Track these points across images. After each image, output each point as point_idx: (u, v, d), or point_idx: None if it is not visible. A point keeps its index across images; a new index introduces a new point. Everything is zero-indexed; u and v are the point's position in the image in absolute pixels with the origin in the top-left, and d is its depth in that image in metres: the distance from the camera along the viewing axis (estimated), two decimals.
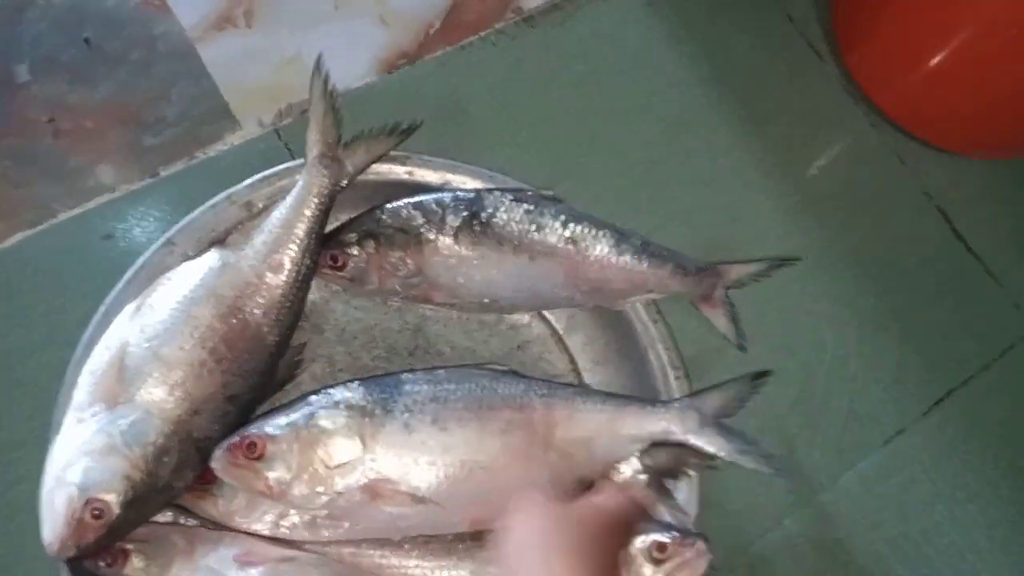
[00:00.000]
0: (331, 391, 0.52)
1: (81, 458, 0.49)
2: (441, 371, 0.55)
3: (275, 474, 0.48)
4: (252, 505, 0.55)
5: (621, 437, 0.56)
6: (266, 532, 0.55)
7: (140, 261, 0.57)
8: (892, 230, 0.79)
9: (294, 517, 0.55)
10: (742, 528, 0.66)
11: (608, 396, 0.57)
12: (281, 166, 0.61)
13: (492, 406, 0.53)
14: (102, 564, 0.49)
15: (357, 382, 0.53)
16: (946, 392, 0.72)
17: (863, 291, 0.75)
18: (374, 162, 0.62)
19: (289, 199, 0.59)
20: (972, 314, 0.76)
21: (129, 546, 0.50)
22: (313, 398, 0.52)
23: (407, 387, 0.53)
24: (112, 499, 0.48)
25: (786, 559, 0.65)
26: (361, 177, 0.61)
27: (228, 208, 0.60)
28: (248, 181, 0.60)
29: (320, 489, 0.49)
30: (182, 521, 0.55)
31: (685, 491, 0.58)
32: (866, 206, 0.79)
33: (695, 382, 0.61)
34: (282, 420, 0.50)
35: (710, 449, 0.56)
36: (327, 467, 0.49)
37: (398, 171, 0.64)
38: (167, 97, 0.69)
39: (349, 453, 0.49)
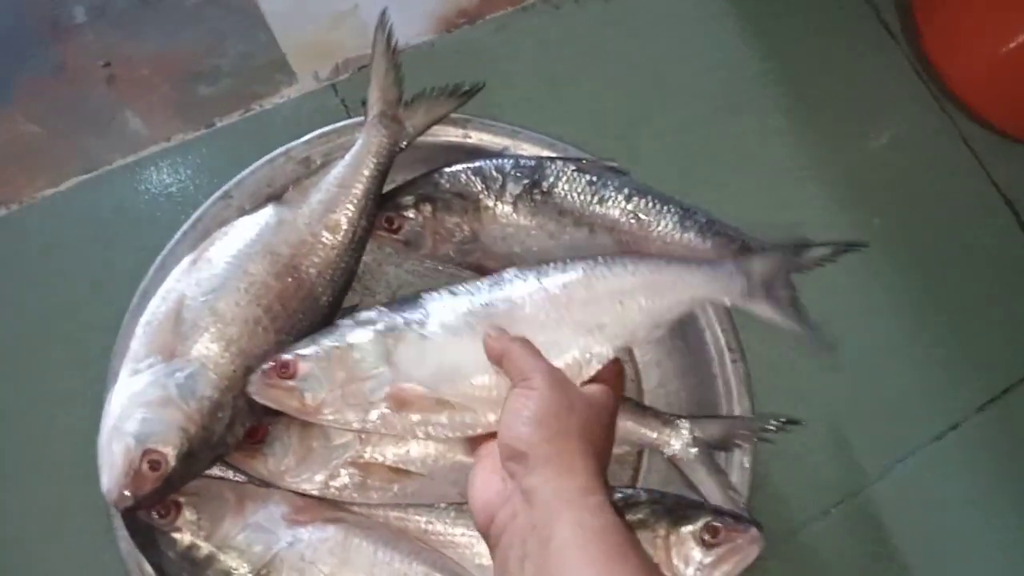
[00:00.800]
0: (357, 313, 0.53)
1: (137, 409, 0.48)
2: (460, 285, 0.53)
3: (308, 391, 0.49)
4: (302, 465, 0.54)
5: (662, 300, 0.53)
6: (315, 492, 0.55)
7: (197, 213, 0.56)
8: (954, 219, 0.76)
9: (344, 478, 0.54)
10: (787, 515, 0.65)
11: (642, 258, 0.54)
12: (340, 123, 0.60)
13: (513, 315, 0.51)
14: (156, 515, 0.49)
15: (382, 305, 0.53)
16: (1003, 389, 0.70)
17: (919, 280, 0.73)
18: (435, 123, 0.60)
19: (348, 158, 0.58)
20: None
21: (181, 499, 0.50)
22: (341, 321, 0.52)
23: (428, 303, 0.52)
24: (169, 451, 0.47)
25: (830, 550, 0.65)
26: (419, 138, 0.60)
27: (285, 164, 0.59)
28: (306, 137, 0.59)
29: (351, 402, 0.49)
30: (232, 477, 0.55)
31: (737, 473, 0.57)
32: (928, 193, 0.77)
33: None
34: (312, 342, 0.51)
35: (757, 313, 0.54)
36: (355, 380, 0.49)
37: (457, 134, 0.62)
38: (223, 47, 0.67)
39: (374, 366, 0.49)
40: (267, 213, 0.56)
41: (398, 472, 0.55)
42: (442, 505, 0.56)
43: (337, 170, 0.58)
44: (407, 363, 0.50)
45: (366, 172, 0.57)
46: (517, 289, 0.52)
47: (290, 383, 0.49)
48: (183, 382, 0.50)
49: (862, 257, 0.71)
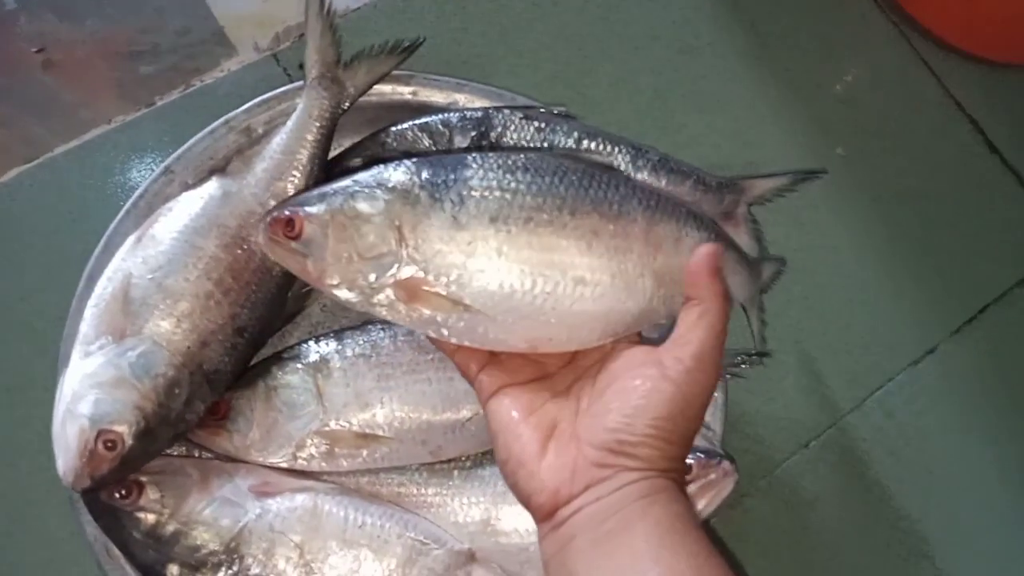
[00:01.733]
0: (379, 167, 0.44)
1: (91, 390, 0.47)
2: (520, 157, 0.44)
3: (311, 258, 0.43)
4: (267, 439, 0.54)
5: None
6: (284, 465, 0.54)
7: (139, 191, 0.55)
8: (921, 144, 0.75)
9: (311, 448, 0.54)
10: (766, 452, 0.64)
11: (719, 230, 0.47)
12: (280, 89, 0.59)
13: (576, 209, 0.42)
14: (117, 496, 0.48)
15: (412, 160, 0.44)
16: (979, 309, 0.70)
17: (888, 209, 0.72)
18: (376, 82, 0.59)
19: (289, 123, 0.56)
20: (1008, 228, 0.73)
21: (143, 478, 0.49)
22: (360, 175, 0.44)
23: (468, 172, 0.42)
24: (124, 430, 0.47)
25: (809, 484, 0.64)
26: (364, 99, 0.59)
27: (226, 134, 0.57)
28: (246, 106, 0.58)
29: (355, 279, 0.42)
30: (196, 455, 0.54)
31: (709, 409, 0.56)
32: (892, 121, 0.75)
33: None
34: (322, 196, 0.44)
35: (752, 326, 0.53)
36: (361, 257, 0.42)
37: (402, 91, 0.61)
38: (160, 25, 0.66)
39: (383, 244, 0.42)
40: (211, 186, 0.55)
41: (365, 438, 0.54)
42: (413, 466, 0.56)
43: (280, 137, 0.56)
44: (424, 251, 0.41)
45: (310, 137, 0.56)
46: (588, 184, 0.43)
47: (294, 244, 0.43)
48: (135, 361, 0.49)
49: (827, 190, 0.71)
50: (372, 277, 0.42)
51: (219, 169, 0.56)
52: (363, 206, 0.43)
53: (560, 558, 0.39)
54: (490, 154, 0.44)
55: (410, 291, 0.42)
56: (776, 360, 0.65)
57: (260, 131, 0.58)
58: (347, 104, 0.58)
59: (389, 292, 0.42)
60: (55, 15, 0.65)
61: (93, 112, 0.63)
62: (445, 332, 0.43)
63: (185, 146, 0.56)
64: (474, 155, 0.44)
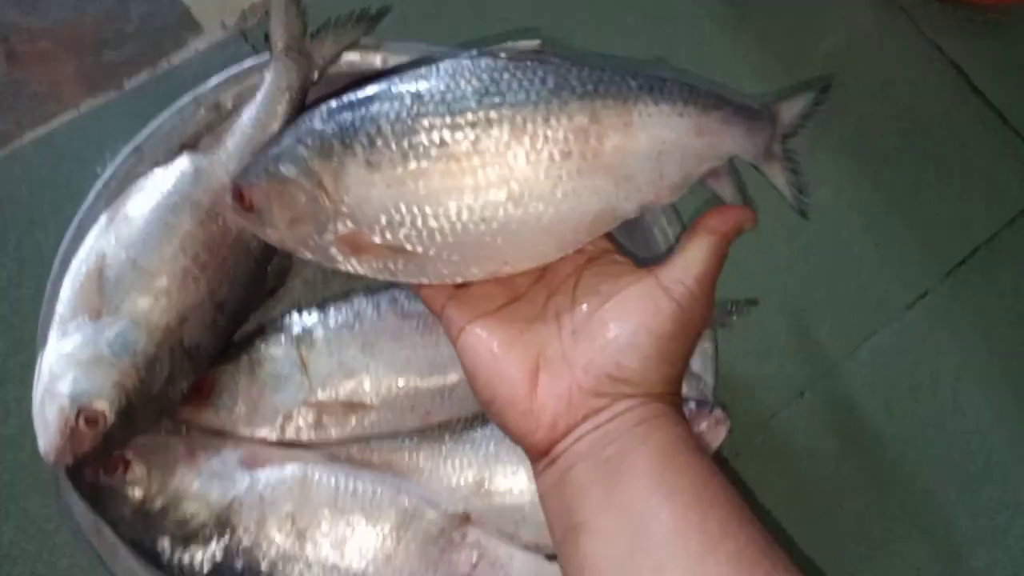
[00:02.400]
0: (301, 117, 0.43)
1: (69, 369, 0.47)
2: (432, 69, 0.40)
3: (267, 226, 0.42)
4: (254, 413, 0.54)
5: (695, 152, 0.41)
6: (272, 438, 0.54)
7: (108, 172, 0.54)
8: (904, 92, 0.74)
9: (299, 420, 0.54)
10: (759, 405, 0.64)
11: (688, 90, 0.41)
12: (247, 63, 0.58)
13: (495, 120, 0.38)
14: (103, 473, 0.48)
15: (327, 103, 0.42)
16: (970, 251, 0.69)
17: (875, 157, 0.72)
18: (344, 52, 0.58)
19: (259, 97, 0.56)
20: (996, 170, 0.72)
21: (129, 455, 0.49)
22: (288, 129, 0.43)
23: (375, 105, 0.40)
24: (105, 407, 0.46)
25: (802, 436, 0.64)
26: (334, 69, 0.58)
27: (196, 111, 0.56)
28: (213, 81, 0.57)
29: (306, 240, 0.41)
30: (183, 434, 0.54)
31: (699, 361, 0.56)
32: (874, 72, 0.75)
33: None
34: (260, 162, 0.43)
35: (768, 173, 0.44)
36: (302, 219, 0.41)
37: (372, 60, 0.60)
38: (125, 10, 0.65)
39: (313, 203, 0.40)
40: (182, 163, 0.54)
41: (352, 406, 0.54)
42: (403, 433, 0.55)
43: (250, 111, 0.56)
44: (351, 202, 0.40)
45: (280, 109, 0.55)
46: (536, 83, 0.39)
47: (251, 215, 0.43)
48: (113, 339, 0.49)
49: (812, 139, 0.69)
50: (317, 236, 0.41)
51: (190, 146, 0.56)
52: (288, 168, 0.41)
53: (558, 489, 0.38)
54: (400, 76, 0.41)
55: (351, 244, 0.40)
56: (765, 317, 0.64)
57: (229, 106, 0.57)
58: (316, 75, 0.57)
59: (334, 250, 0.41)
60: (17, 7, 0.64)
61: (60, 101, 0.62)
62: (400, 277, 0.41)
63: (154, 124, 0.55)
64: (383, 81, 0.41)
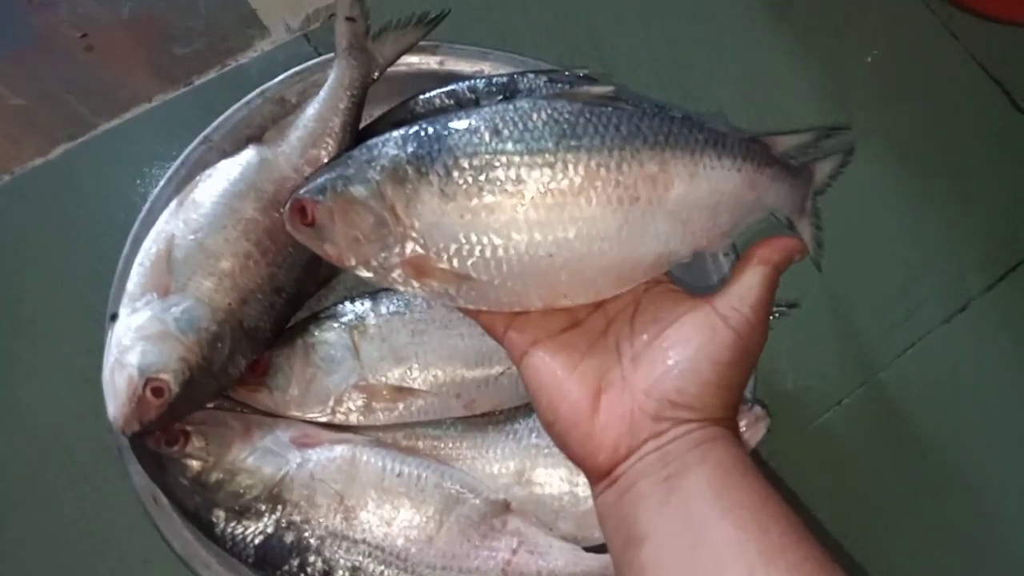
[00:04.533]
0: (372, 143, 0.44)
1: (138, 343, 0.49)
2: (509, 108, 0.42)
3: (327, 242, 0.43)
4: (306, 394, 0.55)
5: (746, 204, 0.44)
6: (322, 420, 0.55)
7: (179, 159, 0.57)
8: (945, 105, 0.75)
9: (349, 403, 0.55)
10: (797, 411, 0.64)
11: (746, 147, 0.44)
12: (312, 61, 0.61)
13: (571, 161, 0.40)
14: (164, 444, 0.50)
15: (401, 131, 0.43)
16: (1012, 266, 0.69)
17: (917, 169, 0.72)
18: (404, 52, 0.61)
19: (322, 93, 0.58)
20: None
21: (189, 428, 0.51)
22: (355, 151, 0.44)
23: (452, 139, 0.41)
24: (170, 378, 0.49)
25: (842, 441, 0.64)
26: (393, 70, 0.61)
27: (262, 105, 0.59)
28: (280, 77, 0.60)
29: (368, 260, 0.42)
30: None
31: None
32: (915, 84, 0.76)
33: None
34: (327, 180, 0.43)
35: (798, 228, 0.47)
36: (367, 239, 0.42)
37: (430, 61, 0.63)
38: (194, 9, 0.68)
39: (382, 226, 0.41)
40: (248, 154, 0.57)
41: (401, 391, 0.55)
42: (448, 421, 0.57)
43: (313, 107, 0.58)
44: (421, 227, 0.41)
45: (342, 105, 0.58)
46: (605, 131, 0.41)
47: (311, 231, 0.44)
48: (180, 316, 0.51)
49: (857, 150, 0.70)
50: (381, 257, 0.42)
51: (255, 138, 0.59)
52: (357, 190, 0.42)
53: (618, 507, 0.39)
54: (477, 111, 0.42)
55: (417, 267, 0.42)
56: (806, 320, 0.65)
57: (294, 101, 0.60)
58: (377, 74, 0.60)
59: (397, 272, 0.42)
60: (95, 1, 0.68)
61: (133, 92, 0.65)
62: (461, 302, 0.43)
63: (223, 116, 0.58)
64: (460, 116, 0.43)
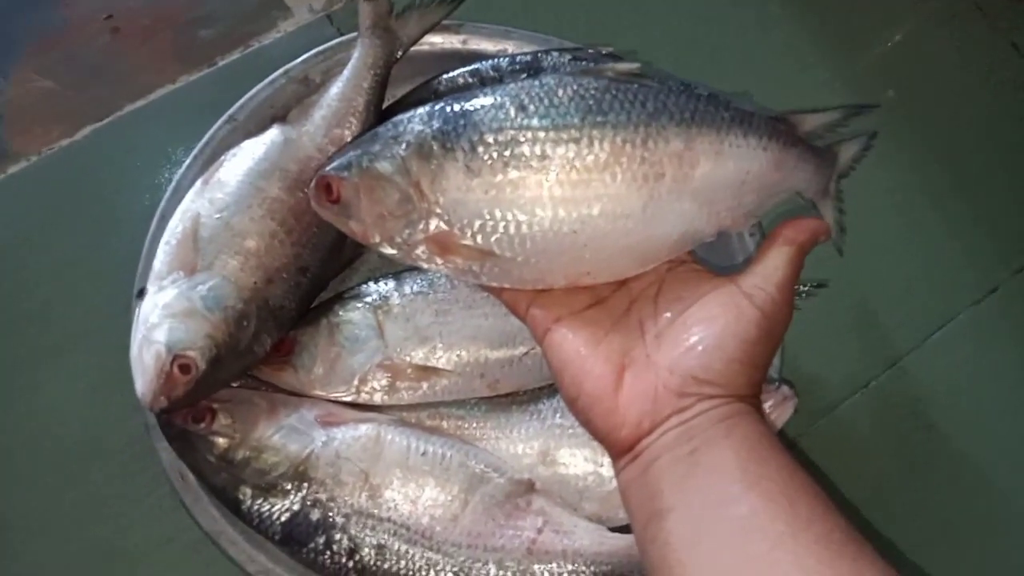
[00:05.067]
0: (398, 119, 0.43)
1: (165, 320, 0.50)
2: (535, 84, 0.41)
3: (352, 219, 0.43)
4: (331, 374, 0.56)
5: (771, 184, 0.43)
6: (347, 399, 0.56)
7: (204, 138, 0.57)
8: (975, 85, 0.74)
9: (373, 383, 0.55)
10: (821, 395, 0.64)
11: (772, 126, 0.43)
12: (335, 40, 0.61)
13: (596, 138, 0.40)
14: (191, 420, 0.50)
15: (426, 107, 0.42)
16: None
17: (945, 149, 0.71)
18: (427, 31, 0.60)
19: (345, 72, 0.58)
20: None
21: (215, 405, 0.51)
22: (381, 127, 0.44)
23: (478, 114, 0.41)
24: (197, 356, 0.49)
25: (866, 425, 0.63)
26: (416, 49, 0.61)
27: (286, 84, 0.60)
28: (303, 56, 0.60)
29: (392, 237, 0.42)
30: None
31: None
32: (945, 63, 0.74)
33: None
34: (352, 157, 0.43)
35: (820, 209, 0.47)
36: (392, 215, 0.41)
37: (453, 40, 0.62)
38: None
39: (407, 202, 0.41)
40: (272, 133, 0.57)
41: (425, 370, 0.55)
42: (472, 401, 0.57)
43: (336, 86, 0.58)
44: (446, 204, 0.40)
45: (365, 84, 0.58)
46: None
47: (336, 208, 0.43)
48: (207, 294, 0.51)
49: (880, 131, 0.69)
50: (406, 233, 0.42)
51: (280, 118, 0.59)
52: (383, 166, 0.42)
53: (642, 481, 0.39)
54: (503, 87, 0.42)
55: (441, 244, 0.41)
56: (831, 301, 0.64)
57: (318, 80, 0.60)
58: (400, 53, 0.60)
59: (421, 248, 0.42)
60: None
61: (157, 74, 0.66)
62: (484, 279, 0.42)
63: (247, 95, 0.59)
64: (486, 92, 0.42)
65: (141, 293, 0.52)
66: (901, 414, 0.64)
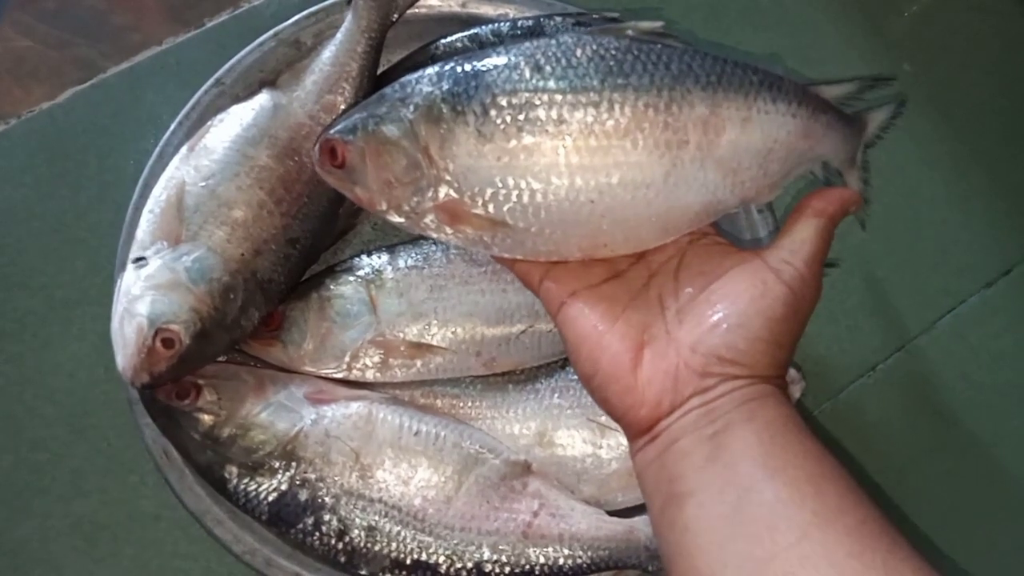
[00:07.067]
0: (406, 80, 0.41)
1: (148, 292, 0.48)
2: (552, 44, 0.39)
3: (358, 186, 0.41)
4: (321, 349, 0.54)
5: (798, 152, 0.41)
6: (338, 376, 0.54)
7: (191, 103, 0.55)
8: (993, 58, 0.71)
9: (365, 359, 0.54)
10: (830, 377, 0.62)
11: (802, 92, 0.41)
12: (328, 1, 0.58)
13: (616, 101, 0.37)
14: (175, 396, 0.48)
15: (436, 67, 0.40)
16: None
17: (960, 124, 0.68)
18: None
19: (339, 36, 0.56)
20: None
21: (200, 381, 0.49)
22: (388, 88, 0.41)
23: (491, 75, 0.38)
24: (180, 329, 0.47)
25: (876, 408, 0.62)
26: (413, 12, 0.58)
27: (276, 47, 0.57)
28: (294, 18, 0.57)
29: (400, 204, 0.40)
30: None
31: None
32: (962, 36, 0.71)
33: None
34: (358, 120, 0.41)
35: (846, 178, 0.45)
36: (400, 182, 0.40)
37: (451, 3, 0.60)
38: None
39: (416, 168, 0.39)
40: (262, 98, 0.55)
41: (419, 347, 0.54)
42: (467, 380, 0.55)
43: (329, 50, 0.56)
44: (455, 170, 0.39)
45: (359, 48, 0.55)
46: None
47: (341, 173, 0.42)
48: (191, 265, 0.49)
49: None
50: (414, 201, 0.40)
51: (269, 82, 0.56)
52: (390, 129, 0.40)
53: (660, 464, 0.38)
54: (517, 46, 0.40)
55: (451, 212, 0.39)
56: (841, 280, 0.62)
57: (309, 43, 0.57)
58: (396, 15, 0.57)
59: (430, 216, 0.40)
60: None
61: (143, 35, 0.63)
62: (496, 250, 0.41)
63: (235, 58, 0.56)
64: (499, 52, 0.40)
65: (139, 261, 0.50)
66: (909, 398, 0.62)
